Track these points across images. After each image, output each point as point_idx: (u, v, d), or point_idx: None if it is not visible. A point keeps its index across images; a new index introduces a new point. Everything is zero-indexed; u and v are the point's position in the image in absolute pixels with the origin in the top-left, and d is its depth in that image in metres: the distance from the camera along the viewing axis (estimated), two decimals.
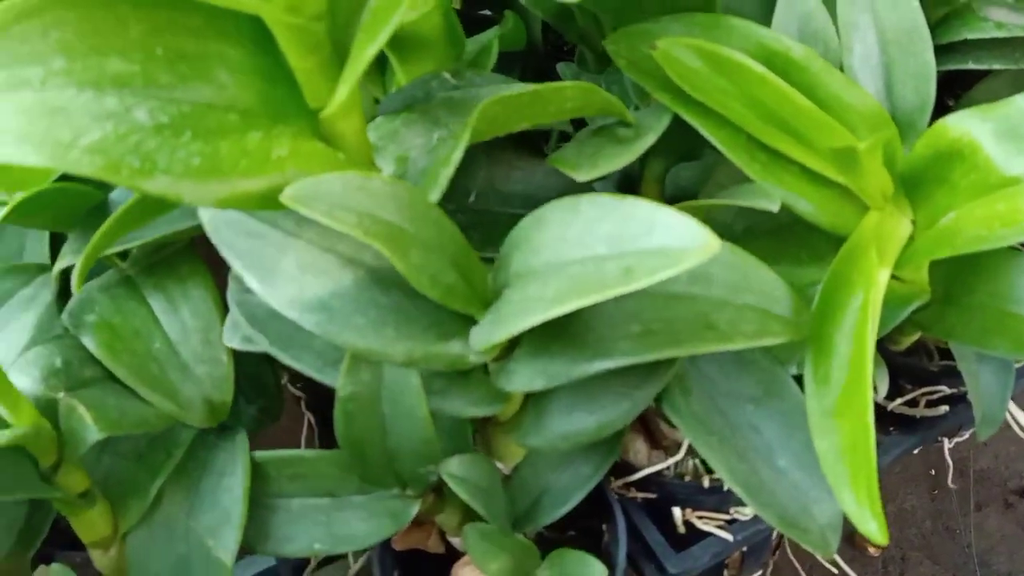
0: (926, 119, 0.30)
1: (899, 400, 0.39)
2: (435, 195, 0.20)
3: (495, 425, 0.27)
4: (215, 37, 0.18)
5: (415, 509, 0.28)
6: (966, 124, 0.24)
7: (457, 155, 0.20)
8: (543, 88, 0.21)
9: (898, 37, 0.30)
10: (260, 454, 0.29)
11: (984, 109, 0.23)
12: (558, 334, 0.21)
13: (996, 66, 0.33)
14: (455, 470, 0.27)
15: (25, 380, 0.24)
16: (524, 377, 0.21)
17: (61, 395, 0.24)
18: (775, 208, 0.24)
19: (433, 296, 0.19)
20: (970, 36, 0.33)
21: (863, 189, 0.24)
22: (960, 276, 0.27)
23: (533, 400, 0.25)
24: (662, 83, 0.25)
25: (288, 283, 0.19)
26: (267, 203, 0.17)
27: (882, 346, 0.39)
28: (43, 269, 0.28)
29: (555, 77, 0.35)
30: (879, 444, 0.40)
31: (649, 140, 0.25)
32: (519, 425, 0.25)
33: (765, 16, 0.31)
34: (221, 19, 0.18)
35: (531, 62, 0.42)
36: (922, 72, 0.30)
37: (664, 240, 0.17)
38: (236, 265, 0.19)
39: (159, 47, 0.17)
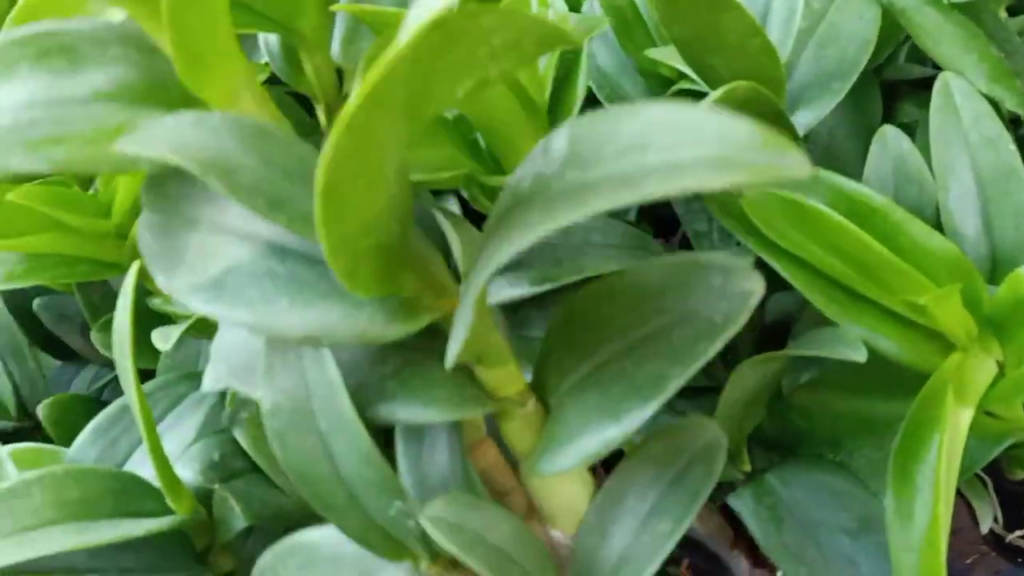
0: None
1: (1017, 532, 0.38)
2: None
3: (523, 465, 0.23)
4: None
5: None
6: None
7: None
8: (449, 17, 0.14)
9: (995, 178, 0.31)
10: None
11: None
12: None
13: None
14: (440, 512, 0.20)
15: (187, 472, 0.29)
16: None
17: (216, 486, 0.28)
18: (862, 359, 0.25)
19: (279, 220, 0.17)
20: None
21: (945, 330, 0.26)
22: None
23: (550, 416, 0.22)
24: (748, 228, 0.27)
25: (187, 272, 0.18)
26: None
27: (999, 475, 0.38)
28: None
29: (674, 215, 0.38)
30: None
31: None
32: (535, 452, 0.21)
33: (863, 157, 0.32)
34: None
35: None
36: (1022, 211, 0.31)
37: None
38: (150, 268, 0.19)
39: None
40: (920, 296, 0.25)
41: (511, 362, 0.22)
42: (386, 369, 0.21)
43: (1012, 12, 0.43)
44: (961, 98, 0.31)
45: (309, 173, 0.17)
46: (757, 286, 0.19)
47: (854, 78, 0.31)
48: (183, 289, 0.18)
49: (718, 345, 0.19)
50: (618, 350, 0.21)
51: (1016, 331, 0.26)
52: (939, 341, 0.27)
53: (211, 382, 0.22)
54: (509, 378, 0.22)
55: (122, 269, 0.34)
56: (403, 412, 0.20)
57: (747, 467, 0.30)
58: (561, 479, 0.23)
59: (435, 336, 0.20)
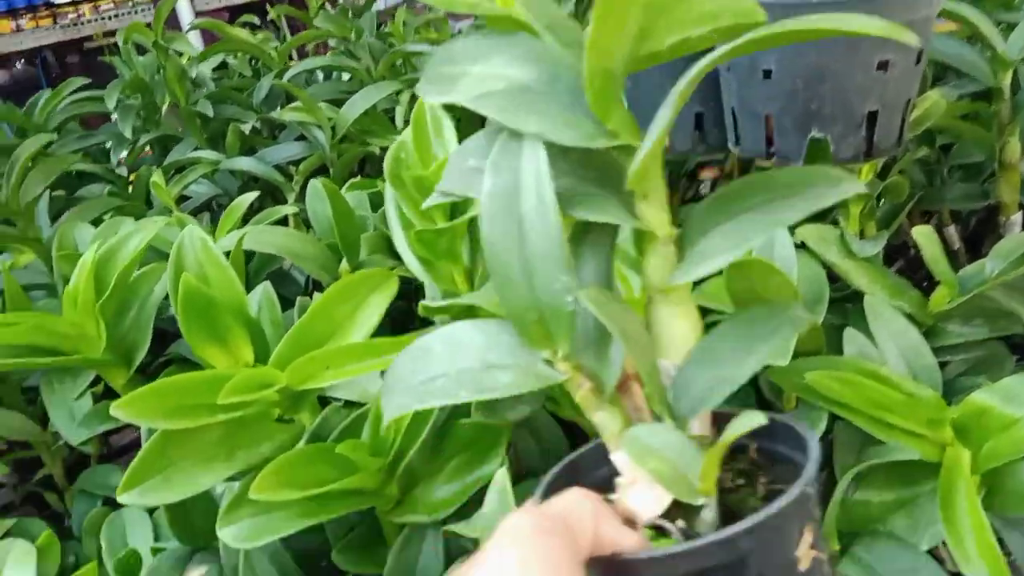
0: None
1: None
2: None
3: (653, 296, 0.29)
4: None
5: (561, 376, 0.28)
6: (980, 396, 0.46)
7: None
8: None
9: (908, 348, 0.53)
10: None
11: (990, 388, 0.46)
12: None
13: None
14: (594, 293, 0.27)
15: None
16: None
17: None
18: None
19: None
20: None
21: (939, 438, 0.46)
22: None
23: (684, 258, 0.29)
24: (817, 395, 0.46)
25: (457, 94, 0.28)
26: None
27: None
28: None
29: None
30: None
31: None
32: (671, 274, 0.29)
33: None
34: None
35: None
36: (931, 366, 0.53)
37: None
38: (426, 95, 0.29)
39: None
40: (920, 420, 0.45)
41: (667, 209, 0.29)
42: (577, 191, 0.29)
43: None
44: (879, 307, 0.54)
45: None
46: (856, 186, 0.28)
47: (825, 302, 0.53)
48: (451, 100, 0.28)
49: (832, 201, 0.27)
50: (750, 206, 0.29)
51: (972, 433, 0.46)
52: (933, 444, 0.46)
53: (439, 194, 0.31)
54: (662, 220, 0.29)
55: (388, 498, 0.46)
56: (583, 212, 0.28)
57: (836, 547, 0.48)
58: (680, 317, 0.30)
59: (619, 181, 0.28)
